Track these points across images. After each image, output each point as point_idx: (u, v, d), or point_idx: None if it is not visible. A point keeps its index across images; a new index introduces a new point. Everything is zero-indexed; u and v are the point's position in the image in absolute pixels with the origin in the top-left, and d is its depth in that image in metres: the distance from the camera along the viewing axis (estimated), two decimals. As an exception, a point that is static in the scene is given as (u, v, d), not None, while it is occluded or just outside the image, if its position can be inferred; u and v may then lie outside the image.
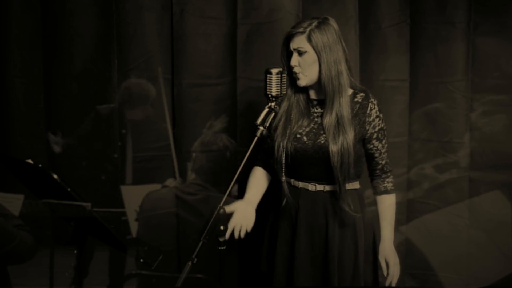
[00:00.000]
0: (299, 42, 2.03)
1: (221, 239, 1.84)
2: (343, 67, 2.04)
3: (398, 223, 2.74)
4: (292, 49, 2.05)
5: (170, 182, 2.74)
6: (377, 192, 2.19)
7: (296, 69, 2.05)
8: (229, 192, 1.87)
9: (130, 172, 2.75)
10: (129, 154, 2.74)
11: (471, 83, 2.69)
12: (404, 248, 2.80)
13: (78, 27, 2.68)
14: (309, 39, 2.01)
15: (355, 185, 2.15)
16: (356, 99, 2.08)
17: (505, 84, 2.67)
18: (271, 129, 2.12)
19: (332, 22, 2.06)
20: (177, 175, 2.72)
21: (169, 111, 2.69)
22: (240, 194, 2.71)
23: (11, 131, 2.74)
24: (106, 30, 2.67)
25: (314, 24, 2.03)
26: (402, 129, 2.75)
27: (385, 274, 2.15)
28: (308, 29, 2.02)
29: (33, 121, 2.74)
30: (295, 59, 2.05)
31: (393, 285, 2.15)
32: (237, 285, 2.77)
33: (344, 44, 2.07)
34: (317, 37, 2.01)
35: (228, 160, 2.71)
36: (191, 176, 2.73)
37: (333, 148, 2.02)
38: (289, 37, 2.07)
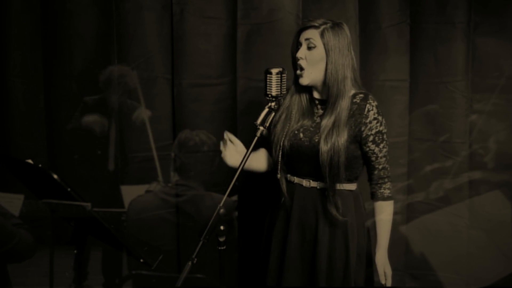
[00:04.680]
0: (311, 34, 2.04)
1: (221, 239, 1.84)
2: (349, 73, 2.04)
3: (398, 223, 2.75)
4: (303, 40, 2.05)
5: (154, 186, 2.72)
6: (374, 198, 2.17)
7: (301, 62, 2.05)
8: (229, 192, 1.87)
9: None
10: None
11: (471, 83, 2.69)
12: (404, 248, 2.80)
13: (78, 27, 2.68)
14: (322, 35, 2.03)
15: (351, 186, 2.14)
16: (354, 100, 2.08)
17: (505, 84, 2.67)
18: (271, 127, 2.13)
19: (346, 29, 2.07)
20: (160, 178, 2.72)
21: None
22: (240, 194, 2.72)
23: (11, 131, 2.74)
24: (106, 30, 2.67)
25: (329, 24, 2.05)
26: (402, 129, 2.75)
27: (382, 282, 2.15)
28: (322, 26, 2.04)
29: (33, 121, 2.74)
30: (302, 52, 2.05)
31: None
32: (237, 285, 2.77)
33: (353, 53, 2.08)
34: (330, 36, 2.02)
35: (207, 156, 2.69)
36: (174, 177, 2.72)
37: (324, 147, 2.02)
38: (301, 30, 2.08)
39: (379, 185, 2.14)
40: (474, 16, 2.65)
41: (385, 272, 2.15)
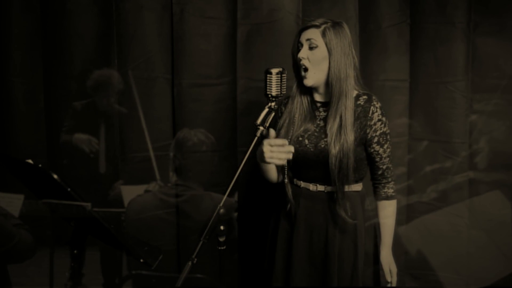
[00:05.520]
0: (313, 34, 2.04)
1: (221, 239, 1.84)
2: (351, 72, 2.04)
3: (398, 223, 2.74)
4: (304, 40, 2.05)
5: (153, 186, 2.72)
6: (378, 197, 2.19)
7: (304, 62, 2.04)
8: (229, 192, 1.87)
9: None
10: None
11: (471, 83, 2.69)
12: (404, 248, 2.80)
13: (78, 27, 2.67)
14: (323, 35, 2.02)
15: (357, 187, 2.15)
16: (358, 102, 2.08)
17: (505, 84, 2.67)
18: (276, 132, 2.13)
19: (346, 28, 2.07)
20: (158, 178, 2.71)
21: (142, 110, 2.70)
22: (240, 194, 2.72)
23: (11, 131, 2.74)
24: (106, 30, 2.67)
25: (330, 23, 2.04)
26: (402, 129, 2.75)
27: (388, 279, 2.16)
28: (323, 26, 2.03)
29: (33, 121, 2.74)
30: (304, 52, 2.04)
31: None
32: (237, 285, 2.77)
33: (354, 52, 2.08)
34: (331, 35, 2.02)
35: (206, 156, 2.68)
36: (173, 177, 2.72)
37: (333, 150, 2.01)
38: (302, 30, 2.08)
39: (382, 184, 2.16)
40: (474, 16, 2.65)
41: (390, 270, 2.16)
